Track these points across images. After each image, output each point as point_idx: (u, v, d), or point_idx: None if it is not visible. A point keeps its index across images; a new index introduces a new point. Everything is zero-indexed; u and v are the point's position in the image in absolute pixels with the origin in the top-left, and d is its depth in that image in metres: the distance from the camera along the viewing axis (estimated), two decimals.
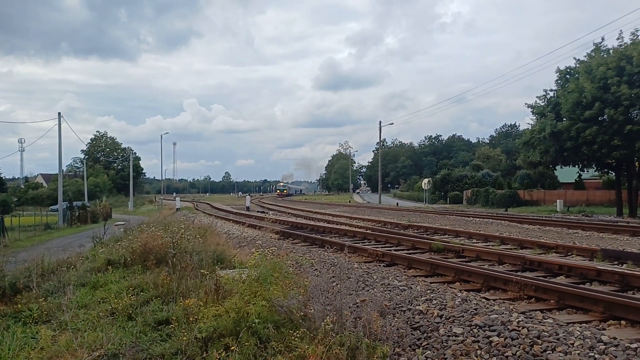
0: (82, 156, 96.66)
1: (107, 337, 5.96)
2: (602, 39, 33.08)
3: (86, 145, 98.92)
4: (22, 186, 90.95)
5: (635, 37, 30.18)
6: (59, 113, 39.24)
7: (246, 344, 5.51)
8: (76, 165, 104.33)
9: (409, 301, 7.79)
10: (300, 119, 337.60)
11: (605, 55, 31.12)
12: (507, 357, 5.46)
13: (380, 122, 68.57)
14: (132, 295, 8.07)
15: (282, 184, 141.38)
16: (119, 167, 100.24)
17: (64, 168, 75.15)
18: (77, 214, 38.40)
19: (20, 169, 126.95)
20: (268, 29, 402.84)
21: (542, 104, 35.18)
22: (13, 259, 11.69)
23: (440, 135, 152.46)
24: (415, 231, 21.50)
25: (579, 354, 5.29)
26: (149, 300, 7.91)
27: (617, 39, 31.22)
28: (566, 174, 52.82)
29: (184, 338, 5.68)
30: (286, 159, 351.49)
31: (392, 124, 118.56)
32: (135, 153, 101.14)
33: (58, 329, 6.69)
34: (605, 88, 29.02)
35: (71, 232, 29.69)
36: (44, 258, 11.18)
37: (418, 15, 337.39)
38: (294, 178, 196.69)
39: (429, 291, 8.42)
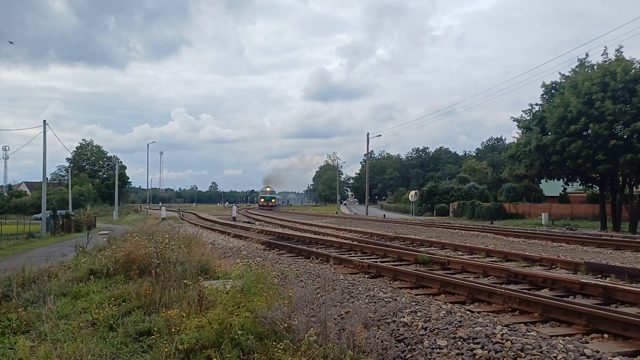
0: (67, 164, 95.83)
1: (87, 348, 5.84)
2: (587, 55, 33.62)
3: (71, 153, 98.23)
4: (5, 194, 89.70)
5: (619, 54, 30.73)
6: (44, 120, 39.07)
7: (228, 355, 5.45)
8: (61, 173, 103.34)
9: (394, 313, 7.76)
10: (289, 129, 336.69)
11: (589, 71, 31.62)
12: None
13: (368, 133, 68.91)
14: (113, 306, 7.96)
15: (268, 188, 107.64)
16: (104, 175, 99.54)
17: (49, 176, 74.53)
18: (60, 223, 37.94)
19: (3, 176, 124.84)
20: (258, 39, 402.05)
21: (528, 118, 35.62)
22: None
23: (428, 148, 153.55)
24: (402, 243, 21.52)
25: None
26: (131, 310, 7.80)
27: (602, 54, 31.79)
28: (551, 187, 53.40)
29: (166, 349, 5.60)
30: (274, 169, 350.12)
31: (380, 135, 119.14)
32: (121, 162, 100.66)
33: (37, 340, 6.55)
34: (590, 103, 29.44)
35: (54, 241, 29.28)
36: (25, 267, 11.00)
37: (410, 27, 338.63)
38: (283, 185, 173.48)
39: (413, 303, 8.40)
